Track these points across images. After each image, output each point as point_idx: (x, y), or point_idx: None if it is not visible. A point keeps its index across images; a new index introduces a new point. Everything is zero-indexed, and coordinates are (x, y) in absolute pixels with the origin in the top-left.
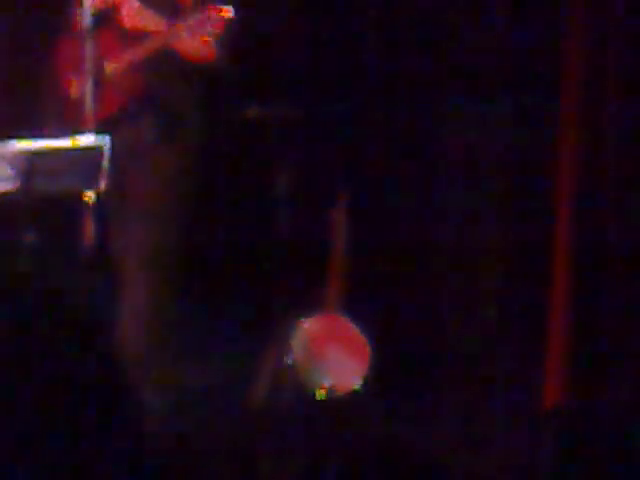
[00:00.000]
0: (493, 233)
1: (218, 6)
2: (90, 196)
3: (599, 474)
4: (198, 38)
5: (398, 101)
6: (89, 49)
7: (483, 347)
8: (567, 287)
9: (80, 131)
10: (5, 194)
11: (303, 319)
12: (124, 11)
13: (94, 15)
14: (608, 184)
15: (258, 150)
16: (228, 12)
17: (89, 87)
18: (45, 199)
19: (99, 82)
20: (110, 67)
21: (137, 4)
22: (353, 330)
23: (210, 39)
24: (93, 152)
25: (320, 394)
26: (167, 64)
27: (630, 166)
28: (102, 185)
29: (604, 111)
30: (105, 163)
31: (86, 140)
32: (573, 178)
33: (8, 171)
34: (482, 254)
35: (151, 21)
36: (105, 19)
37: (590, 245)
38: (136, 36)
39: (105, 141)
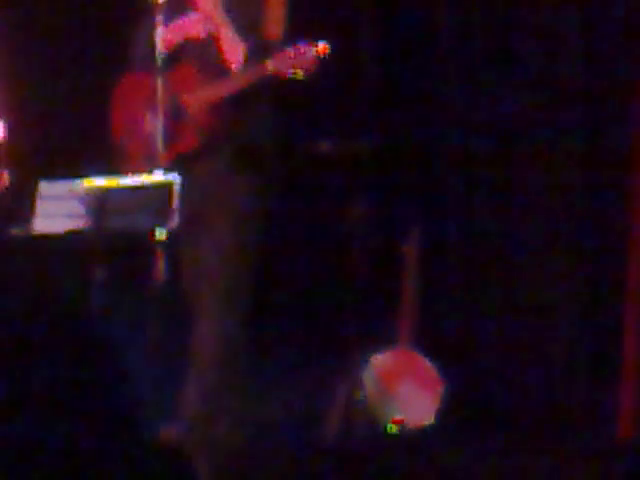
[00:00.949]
0: (566, 269)
1: (313, 42)
2: (161, 233)
3: None
4: (288, 75)
5: (474, 134)
6: (162, 84)
7: (556, 382)
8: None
9: (152, 168)
10: (77, 231)
11: (375, 353)
12: (217, 43)
13: (169, 48)
14: None
15: (332, 183)
16: (324, 48)
17: (162, 123)
18: (116, 236)
19: (175, 118)
20: (190, 103)
21: (232, 37)
22: (425, 364)
23: (301, 76)
24: (163, 189)
25: (392, 429)
26: (250, 102)
27: None
28: (173, 223)
29: None
30: (175, 200)
31: (156, 178)
32: None
33: (80, 209)
34: (556, 289)
35: (238, 56)
36: (181, 52)
37: None
38: (218, 72)
39: (175, 178)
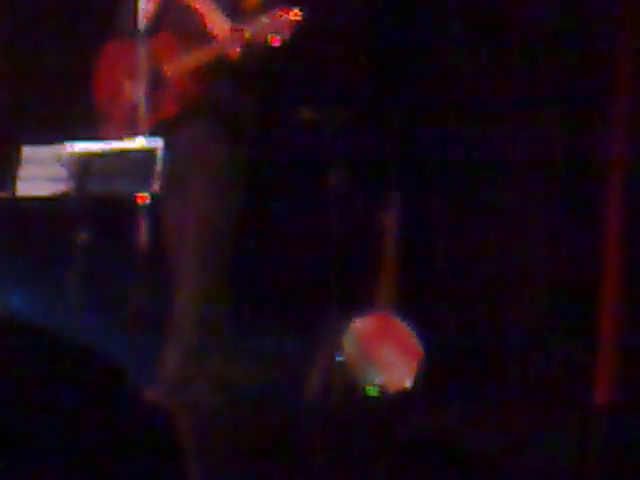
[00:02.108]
0: (546, 238)
1: (286, 9)
2: (144, 197)
3: None
4: (263, 42)
5: (452, 105)
6: (144, 52)
7: (534, 345)
8: (618, 286)
9: (134, 134)
10: (61, 195)
11: (355, 318)
12: (196, 13)
13: (150, 18)
14: None
15: (311, 150)
16: (297, 15)
17: (144, 90)
18: (99, 200)
19: (156, 85)
20: (169, 71)
21: (210, 7)
22: (404, 329)
23: (276, 43)
24: (147, 154)
25: (371, 391)
26: (228, 68)
27: None
28: (156, 187)
29: None
30: (159, 165)
31: (140, 143)
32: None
33: (63, 173)
34: (532, 253)
35: (217, 24)
36: (162, 21)
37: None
38: (197, 39)
39: (159, 143)
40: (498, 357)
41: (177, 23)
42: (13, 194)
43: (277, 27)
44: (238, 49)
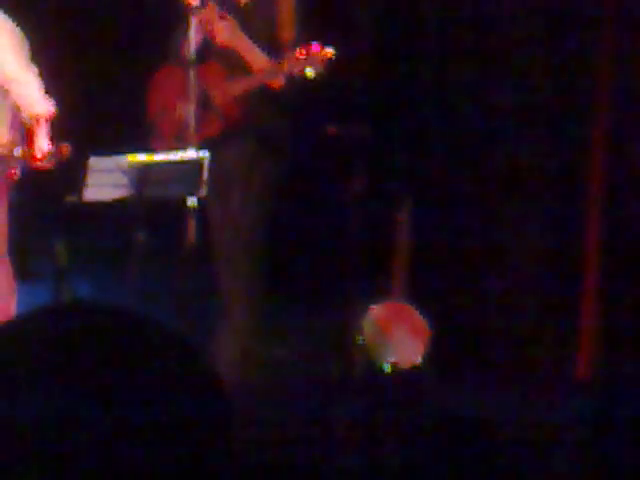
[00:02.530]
0: (536, 235)
1: (320, 45)
2: (192, 201)
3: (629, 440)
4: (300, 74)
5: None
6: (193, 77)
7: (527, 329)
8: (597, 275)
9: (185, 147)
10: (120, 200)
11: (373, 305)
12: (237, 46)
13: (199, 47)
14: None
15: (335, 160)
16: (330, 52)
17: (194, 111)
18: (156, 202)
19: (204, 107)
20: (216, 97)
21: (249, 42)
22: (415, 314)
23: (311, 74)
24: (195, 164)
25: (386, 368)
26: (267, 98)
27: None
28: (202, 192)
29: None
30: (205, 174)
31: (189, 154)
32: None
33: (123, 180)
34: (526, 252)
35: (256, 60)
36: (209, 52)
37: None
38: (240, 70)
39: (205, 155)
40: (492, 338)
41: (222, 55)
42: (81, 199)
43: (312, 62)
44: (281, 80)
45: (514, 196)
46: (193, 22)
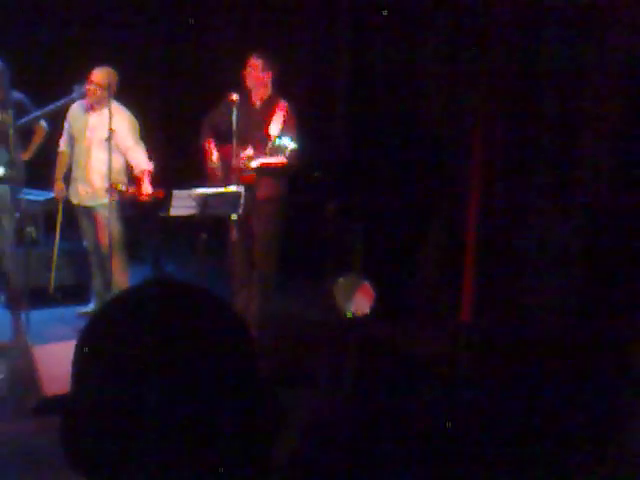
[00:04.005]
0: (438, 232)
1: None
2: (234, 216)
3: (497, 365)
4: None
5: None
6: (237, 145)
7: (433, 291)
8: (475, 250)
9: (229, 184)
10: (192, 215)
11: (342, 277)
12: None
13: (238, 124)
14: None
15: (319, 192)
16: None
17: (236, 164)
18: (212, 217)
19: (244, 165)
20: (252, 161)
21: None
22: (365, 283)
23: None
24: (236, 195)
25: (350, 314)
26: (275, 169)
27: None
28: (240, 211)
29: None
30: (241, 200)
31: (232, 189)
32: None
33: (193, 204)
34: (432, 245)
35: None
36: (246, 127)
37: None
38: (264, 142)
39: (241, 190)
40: (408, 294)
41: (254, 130)
42: (168, 214)
43: (278, 150)
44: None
45: (422, 210)
46: (235, 111)
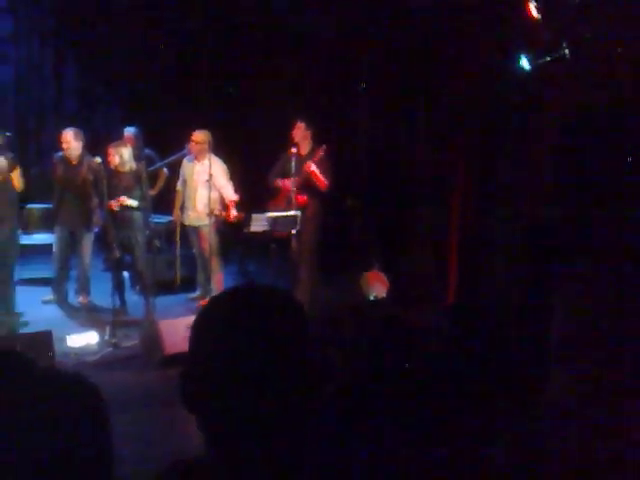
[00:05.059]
0: (427, 233)
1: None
2: (294, 231)
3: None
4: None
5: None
6: (294, 180)
7: (426, 278)
8: (456, 250)
9: (290, 209)
10: (265, 231)
11: (365, 271)
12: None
13: (296, 163)
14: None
15: (348, 211)
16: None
17: (293, 193)
18: (279, 232)
19: (298, 193)
20: (295, 188)
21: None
22: (382, 275)
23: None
24: (295, 216)
25: (371, 297)
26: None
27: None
28: (297, 227)
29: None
30: (298, 220)
31: (292, 212)
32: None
33: (265, 223)
34: (425, 243)
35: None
36: (299, 169)
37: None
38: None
39: (299, 213)
40: (411, 283)
41: (302, 172)
42: (249, 230)
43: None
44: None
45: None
46: (293, 159)
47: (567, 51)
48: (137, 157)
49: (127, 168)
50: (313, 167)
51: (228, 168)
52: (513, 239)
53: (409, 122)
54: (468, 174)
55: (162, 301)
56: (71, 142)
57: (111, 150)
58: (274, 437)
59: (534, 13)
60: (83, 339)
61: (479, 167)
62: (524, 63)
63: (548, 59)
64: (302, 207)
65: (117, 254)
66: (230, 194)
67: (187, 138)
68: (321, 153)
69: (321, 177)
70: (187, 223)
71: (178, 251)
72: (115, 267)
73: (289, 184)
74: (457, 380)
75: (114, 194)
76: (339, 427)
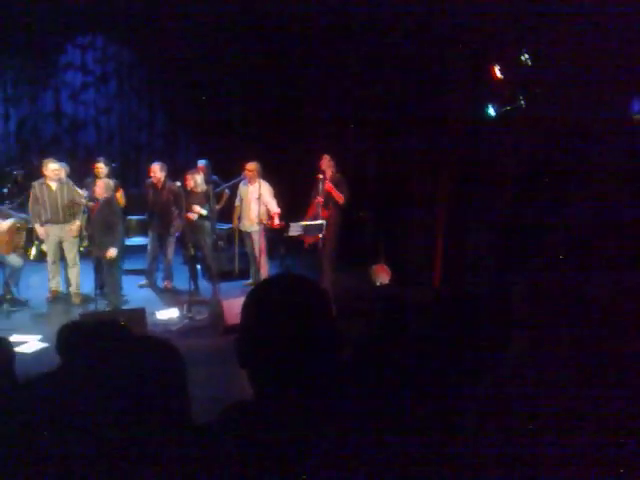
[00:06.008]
0: (422, 235)
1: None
2: (320, 236)
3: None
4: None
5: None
6: (320, 200)
7: (419, 267)
8: (442, 237)
9: (317, 219)
10: (300, 235)
11: (374, 264)
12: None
13: (322, 185)
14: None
15: (362, 221)
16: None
17: (320, 207)
18: (311, 236)
19: (323, 208)
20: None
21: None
22: (387, 267)
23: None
24: (322, 224)
25: (378, 283)
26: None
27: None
28: (323, 233)
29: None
30: (324, 226)
31: (319, 221)
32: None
33: (300, 229)
34: (416, 247)
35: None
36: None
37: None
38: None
39: (324, 222)
40: (408, 270)
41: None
42: (288, 234)
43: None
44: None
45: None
46: (320, 183)
47: (523, 102)
48: (207, 181)
49: (199, 189)
50: (331, 186)
51: (273, 189)
52: (481, 242)
53: (403, 157)
54: (448, 195)
55: (224, 286)
56: (157, 172)
57: (188, 176)
58: (308, 388)
59: (498, 74)
60: (168, 314)
61: (457, 189)
62: (491, 111)
63: (508, 108)
64: (326, 218)
65: (192, 252)
66: (274, 208)
67: (243, 168)
68: (338, 176)
69: (338, 193)
70: (242, 229)
71: (236, 250)
72: (190, 261)
73: (318, 201)
74: (438, 343)
75: (190, 209)
76: (357, 379)
